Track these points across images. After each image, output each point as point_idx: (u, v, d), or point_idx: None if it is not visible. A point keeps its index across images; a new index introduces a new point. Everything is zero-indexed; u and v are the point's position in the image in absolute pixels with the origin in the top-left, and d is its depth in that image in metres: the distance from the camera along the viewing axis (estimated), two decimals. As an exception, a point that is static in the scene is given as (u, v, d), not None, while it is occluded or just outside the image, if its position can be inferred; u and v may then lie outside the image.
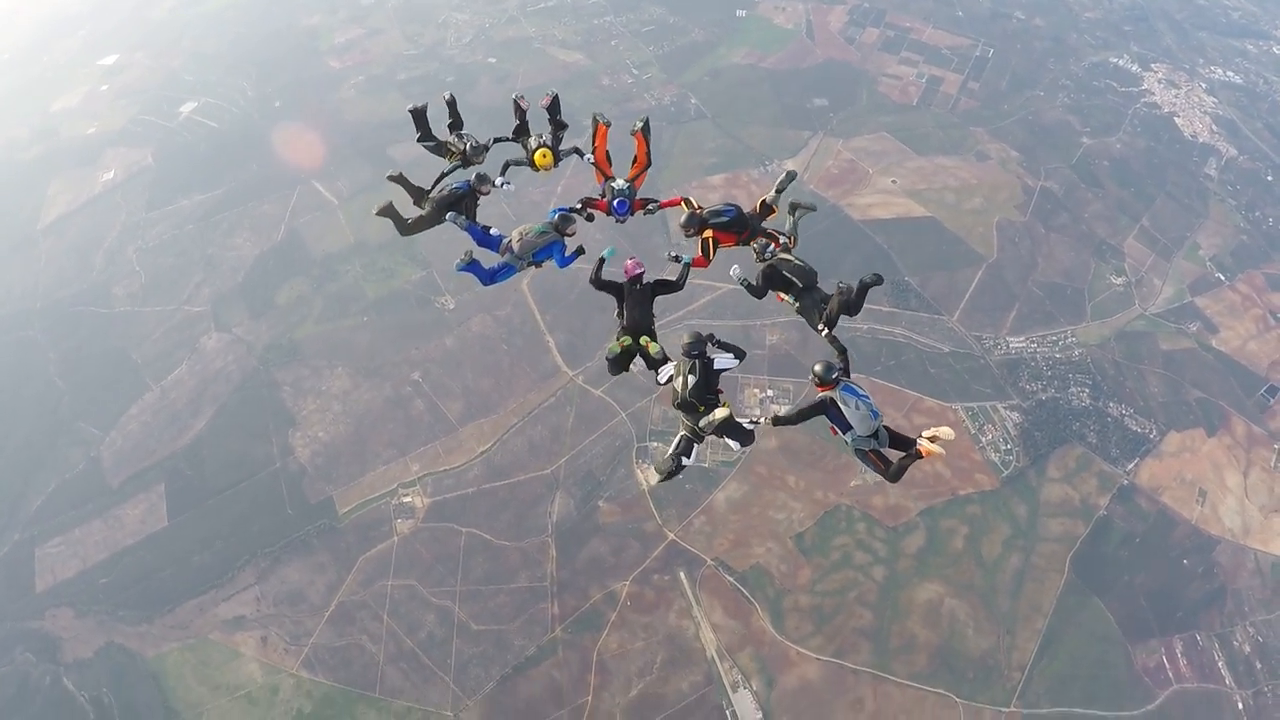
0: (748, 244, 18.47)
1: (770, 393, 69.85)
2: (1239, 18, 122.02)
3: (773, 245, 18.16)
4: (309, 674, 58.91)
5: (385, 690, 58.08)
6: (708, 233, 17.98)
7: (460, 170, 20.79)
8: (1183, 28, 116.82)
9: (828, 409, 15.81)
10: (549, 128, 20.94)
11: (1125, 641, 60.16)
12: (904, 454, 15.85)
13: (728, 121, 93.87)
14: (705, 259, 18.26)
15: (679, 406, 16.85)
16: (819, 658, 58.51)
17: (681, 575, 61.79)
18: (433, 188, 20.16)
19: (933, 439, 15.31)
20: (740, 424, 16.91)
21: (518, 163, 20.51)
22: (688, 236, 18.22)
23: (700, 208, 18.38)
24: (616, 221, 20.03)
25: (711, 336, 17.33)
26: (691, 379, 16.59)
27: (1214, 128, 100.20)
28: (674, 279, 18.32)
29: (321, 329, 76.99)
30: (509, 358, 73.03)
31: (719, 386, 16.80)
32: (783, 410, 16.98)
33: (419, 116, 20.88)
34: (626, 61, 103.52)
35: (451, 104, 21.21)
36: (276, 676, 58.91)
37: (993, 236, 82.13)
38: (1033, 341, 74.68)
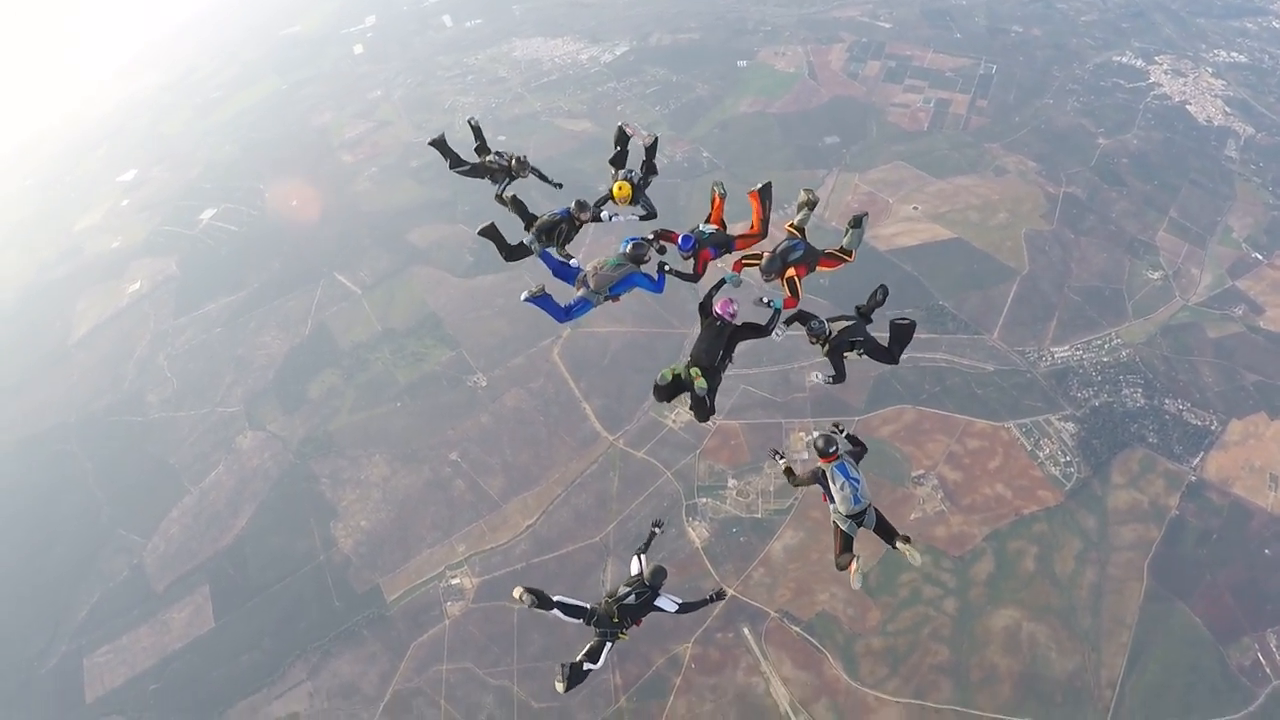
0: (814, 269, 17.88)
1: (815, 434, 67.94)
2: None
3: (822, 323, 17.29)
4: (371, 767, 57.27)
5: (452, 778, 56.23)
6: (790, 271, 17.54)
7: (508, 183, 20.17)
8: (1180, 17, 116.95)
9: (820, 480, 16.07)
10: (639, 169, 20.15)
11: (1216, 643, 57.15)
12: (885, 539, 16.07)
13: (742, 169, 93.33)
14: (795, 298, 17.65)
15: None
16: (898, 700, 55.85)
17: (745, 630, 59.64)
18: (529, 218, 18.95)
19: (907, 543, 15.66)
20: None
21: (601, 202, 19.54)
22: (768, 280, 17.67)
23: (769, 252, 17.85)
24: (682, 257, 18.55)
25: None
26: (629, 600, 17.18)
27: (1227, 109, 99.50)
28: (763, 324, 17.37)
29: (355, 418, 76.70)
30: (546, 429, 72.08)
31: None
32: (797, 468, 17.38)
33: (442, 145, 20.74)
34: (635, 124, 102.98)
35: (476, 129, 21.18)
36: (338, 772, 57.36)
37: (1022, 249, 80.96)
38: (1077, 349, 72.89)
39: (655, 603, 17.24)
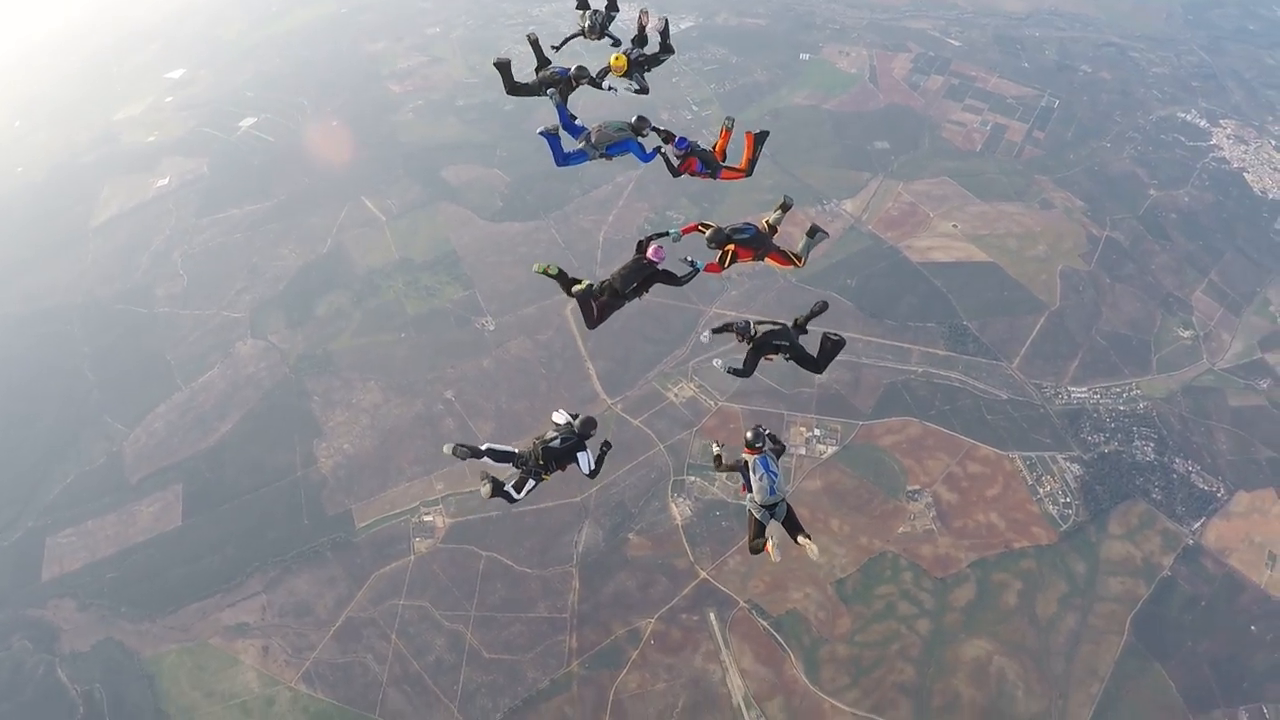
0: (763, 259, 19.77)
1: (817, 431, 67.08)
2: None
3: (747, 324, 19.02)
4: (308, 689, 56.54)
5: (386, 713, 55.39)
6: (730, 246, 19.32)
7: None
8: (1251, 86, 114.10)
9: (743, 470, 17.20)
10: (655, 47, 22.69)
11: (1187, 711, 55.61)
12: (789, 532, 17.19)
13: (787, 160, 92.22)
14: (720, 266, 19.79)
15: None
16: (854, 712, 54.57)
17: (711, 616, 58.54)
18: (542, 67, 21.65)
19: (807, 539, 16.82)
20: None
21: (603, 73, 21.86)
22: (710, 249, 19.49)
23: (722, 226, 19.70)
24: (675, 155, 20.55)
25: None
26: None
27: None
28: (678, 275, 19.41)
29: (357, 342, 76.00)
30: (546, 382, 71.07)
31: None
32: (724, 455, 18.64)
33: (505, 68, 21.60)
34: (687, 98, 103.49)
35: (535, 43, 22.15)
36: (274, 688, 56.67)
37: (1056, 284, 79.29)
38: (1095, 392, 71.28)
39: (577, 454, 17.96)
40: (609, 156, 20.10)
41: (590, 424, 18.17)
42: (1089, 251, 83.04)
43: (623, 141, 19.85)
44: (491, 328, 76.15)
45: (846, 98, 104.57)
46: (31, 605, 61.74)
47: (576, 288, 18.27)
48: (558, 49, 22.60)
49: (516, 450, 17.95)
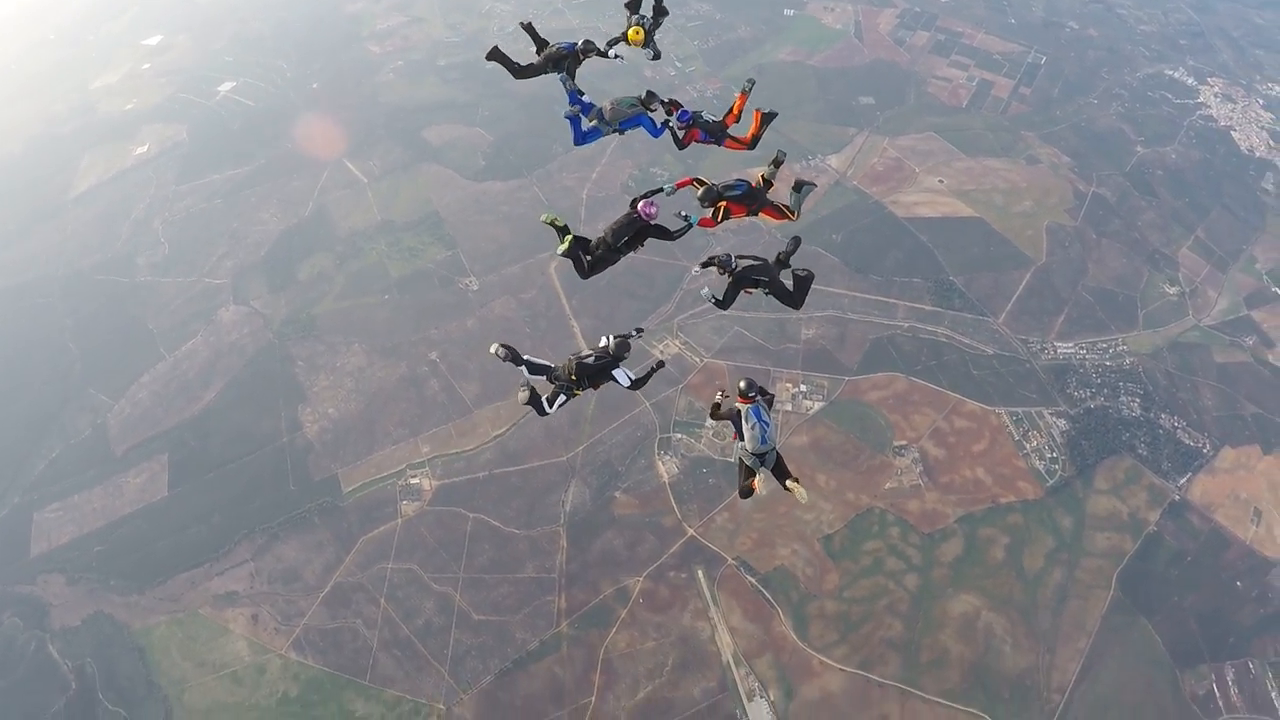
0: (756, 215, 20.43)
1: (803, 387, 66.90)
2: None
3: (730, 257, 19.73)
4: (298, 656, 56.36)
5: (376, 678, 55.27)
6: (722, 203, 19.88)
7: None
8: (1240, 45, 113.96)
9: (735, 419, 17.71)
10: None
11: (1173, 666, 55.99)
12: (778, 479, 17.69)
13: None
14: (713, 221, 20.34)
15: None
16: (843, 669, 54.83)
17: (699, 574, 58.50)
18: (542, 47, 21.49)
19: (795, 482, 17.46)
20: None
21: (614, 42, 21.84)
22: (704, 207, 20.05)
23: (714, 183, 20.20)
24: (679, 126, 20.99)
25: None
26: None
27: (1271, 143, 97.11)
28: (671, 230, 19.92)
29: (341, 305, 75.35)
30: (531, 340, 70.41)
31: None
32: (723, 404, 18.83)
33: (500, 57, 21.60)
34: (670, 55, 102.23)
35: (529, 28, 22.14)
36: (264, 656, 56.49)
37: (1042, 239, 79.25)
38: (1082, 347, 71.36)
39: (613, 371, 18.77)
40: (622, 131, 20.80)
41: (624, 346, 18.76)
42: (1075, 207, 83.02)
43: (634, 116, 20.51)
44: (475, 288, 75.65)
45: (831, 53, 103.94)
46: (20, 582, 61.34)
47: (561, 245, 18.82)
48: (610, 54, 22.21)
49: (552, 365, 18.80)
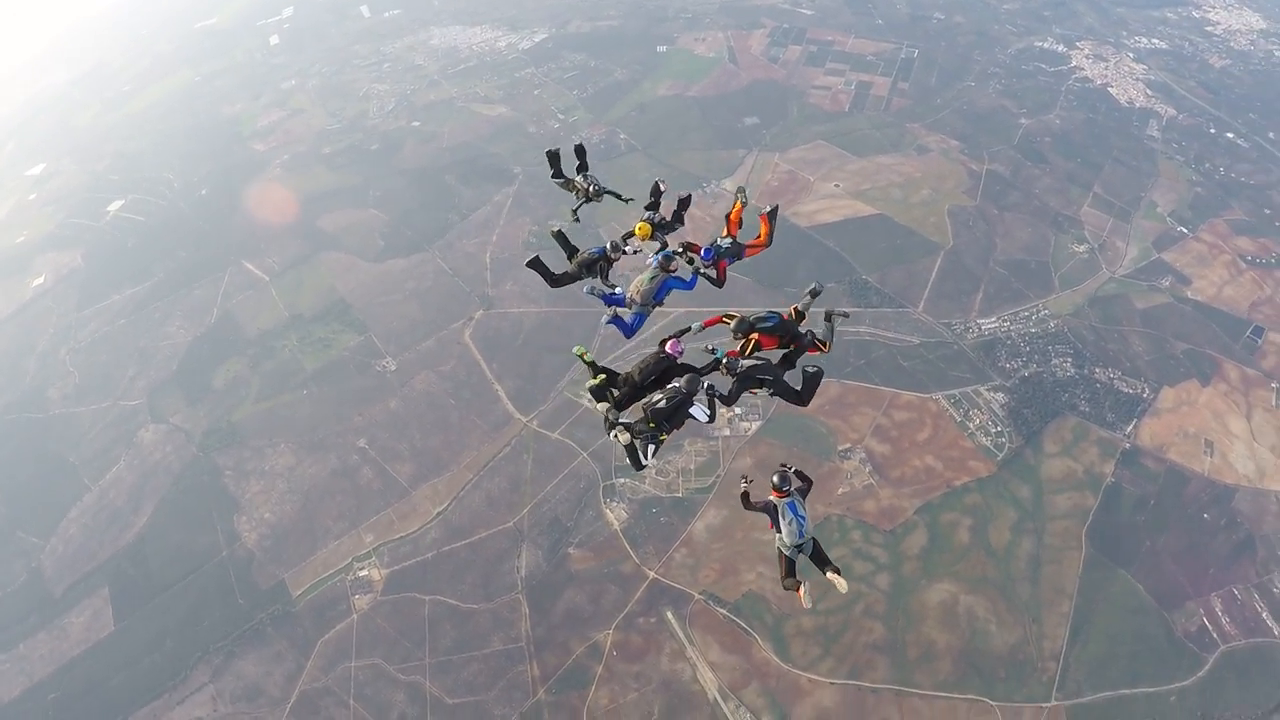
0: (789, 347, 19.54)
1: (738, 410, 65.86)
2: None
3: (729, 355, 18.94)
4: (275, 774, 53.64)
5: (360, 781, 52.79)
6: (754, 336, 19.19)
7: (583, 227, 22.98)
8: (1101, 5, 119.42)
9: (770, 512, 17.34)
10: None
11: (1161, 610, 56.35)
12: (818, 566, 17.39)
13: (660, 151, 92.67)
14: (740, 354, 19.30)
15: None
16: (833, 681, 53.95)
17: (669, 615, 57.23)
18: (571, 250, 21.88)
19: (836, 573, 16.87)
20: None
21: (628, 236, 22.10)
22: (736, 339, 19.34)
23: (741, 316, 19.81)
24: (704, 265, 21.13)
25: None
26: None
27: (1148, 92, 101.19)
28: (698, 366, 19.03)
29: (260, 408, 73.25)
30: (458, 412, 69.24)
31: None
32: (751, 494, 18.19)
33: (553, 158, 23.00)
34: (552, 108, 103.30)
35: (580, 150, 23.18)
36: (241, 779, 53.71)
37: (946, 224, 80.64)
38: (1005, 320, 72.40)
39: (690, 410, 17.99)
40: (660, 302, 20.54)
41: (695, 381, 17.86)
42: (972, 187, 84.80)
43: (662, 285, 20.31)
44: (393, 368, 74.29)
45: (709, 81, 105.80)
46: (-24, 749, 58.03)
47: (592, 380, 18.36)
48: (576, 215, 23.53)
49: (623, 417, 18.10)
